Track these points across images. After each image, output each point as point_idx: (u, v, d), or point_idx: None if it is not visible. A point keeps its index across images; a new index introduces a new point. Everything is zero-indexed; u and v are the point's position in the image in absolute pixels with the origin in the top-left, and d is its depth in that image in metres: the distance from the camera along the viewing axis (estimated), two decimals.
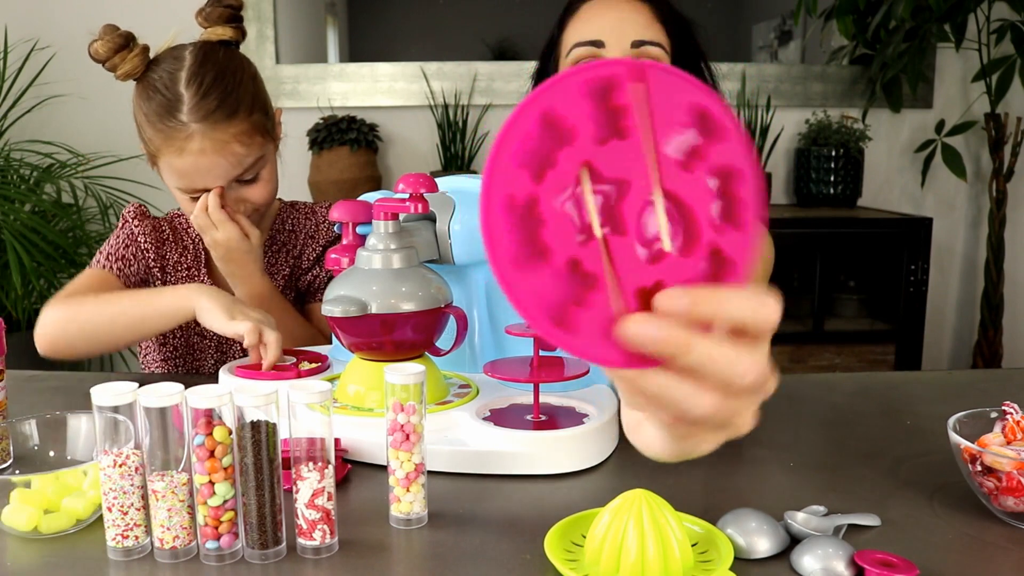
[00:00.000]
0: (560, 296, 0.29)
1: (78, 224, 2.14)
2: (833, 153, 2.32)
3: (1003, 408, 0.70)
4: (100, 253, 1.12)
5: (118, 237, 1.13)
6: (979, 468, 0.65)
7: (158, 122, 0.98)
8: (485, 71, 2.41)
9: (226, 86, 0.99)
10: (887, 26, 2.17)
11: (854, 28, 2.25)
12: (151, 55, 1.02)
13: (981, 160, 2.49)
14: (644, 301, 0.30)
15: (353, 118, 2.30)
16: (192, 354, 1.17)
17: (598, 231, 0.29)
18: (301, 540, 0.61)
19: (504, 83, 2.41)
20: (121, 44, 0.97)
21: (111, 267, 1.10)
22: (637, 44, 0.97)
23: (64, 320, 1.01)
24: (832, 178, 2.34)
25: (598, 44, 0.97)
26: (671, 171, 0.30)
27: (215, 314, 0.92)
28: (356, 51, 2.68)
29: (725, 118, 0.30)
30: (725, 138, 0.30)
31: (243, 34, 1.06)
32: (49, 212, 2.11)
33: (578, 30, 1.00)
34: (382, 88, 2.41)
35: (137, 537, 0.61)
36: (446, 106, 2.37)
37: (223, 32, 1.03)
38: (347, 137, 2.25)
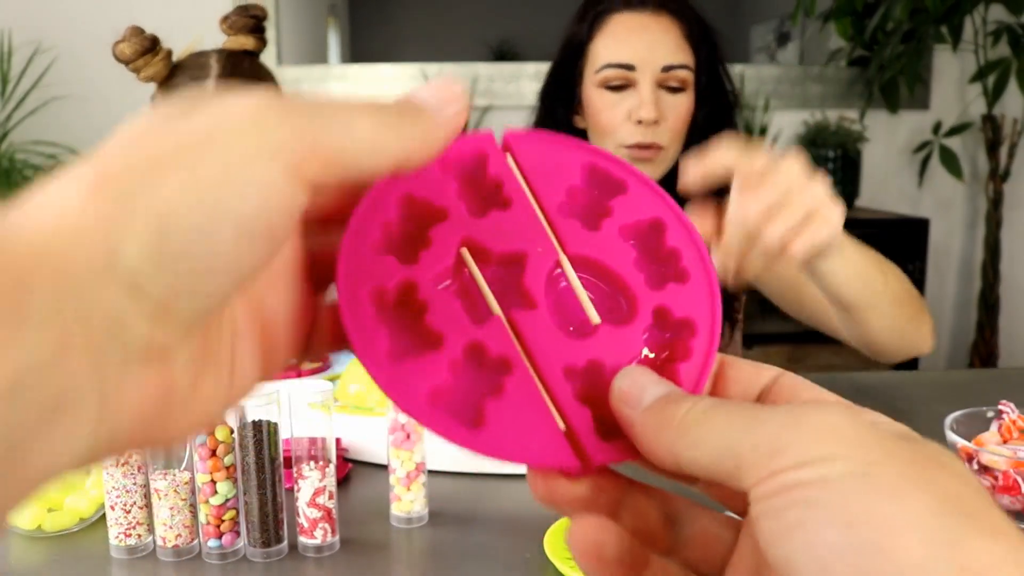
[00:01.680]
0: (466, 389, 0.23)
1: None
2: (831, 154, 2.33)
3: (999, 407, 0.71)
4: None
5: None
6: (976, 467, 0.65)
7: None
8: (485, 73, 2.41)
9: None
10: (885, 28, 2.18)
11: (852, 30, 2.25)
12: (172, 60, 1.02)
13: (978, 161, 2.50)
14: (580, 383, 0.24)
15: None
16: None
17: (495, 307, 0.24)
18: (302, 538, 0.62)
19: (504, 84, 2.41)
20: (147, 47, 0.98)
21: None
22: (667, 69, 0.99)
23: None
24: (830, 179, 2.35)
25: (629, 68, 0.99)
26: (573, 234, 0.26)
27: None
28: (357, 52, 2.69)
29: (616, 169, 0.26)
30: (624, 190, 0.26)
31: (264, 44, 1.06)
32: None
33: (609, 49, 1.00)
34: (383, 90, 2.42)
35: (139, 535, 0.62)
36: None
37: (246, 42, 1.03)
38: None
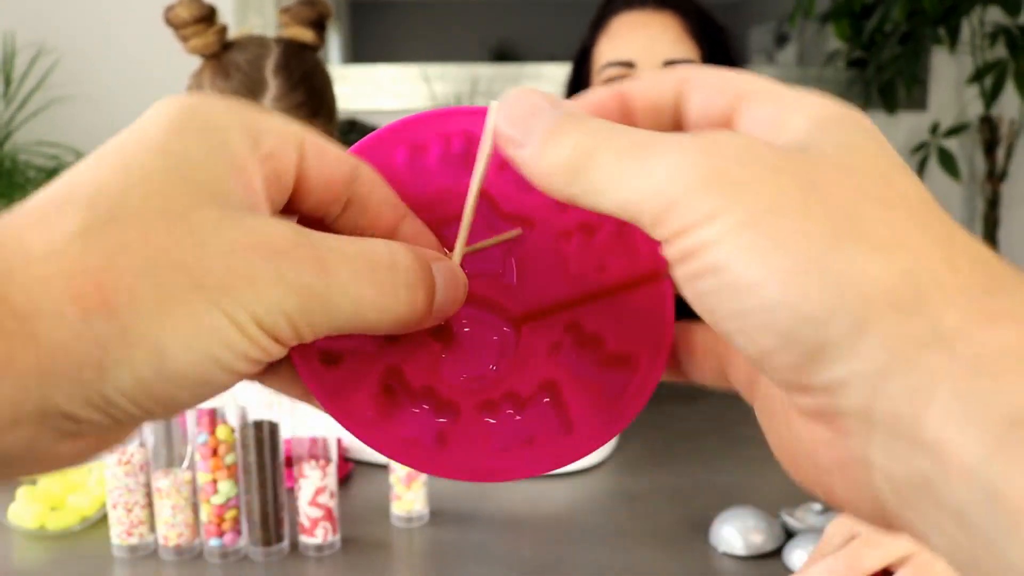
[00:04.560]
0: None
1: None
2: None
3: None
4: None
5: None
6: None
7: None
8: (485, 73, 2.42)
9: (313, 86, 0.97)
10: (883, 29, 2.19)
11: (850, 31, 2.26)
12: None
13: (975, 162, 2.50)
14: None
15: (355, 121, 2.31)
16: None
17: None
18: (303, 538, 0.62)
19: (504, 85, 2.41)
20: (204, 15, 0.92)
21: None
22: (668, 63, 0.99)
23: None
24: None
25: (630, 64, 0.99)
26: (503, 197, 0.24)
27: None
28: (358, 54, 2.69)
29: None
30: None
31: (323, 42, 1.02)
32: None
33: (610, 47, 1.01)
34: (384, 91, 2.42)
35: (141, 534, 0.62)
36: None
37: (304, 34, 0.99)
38: (349, 140, 2.26)
